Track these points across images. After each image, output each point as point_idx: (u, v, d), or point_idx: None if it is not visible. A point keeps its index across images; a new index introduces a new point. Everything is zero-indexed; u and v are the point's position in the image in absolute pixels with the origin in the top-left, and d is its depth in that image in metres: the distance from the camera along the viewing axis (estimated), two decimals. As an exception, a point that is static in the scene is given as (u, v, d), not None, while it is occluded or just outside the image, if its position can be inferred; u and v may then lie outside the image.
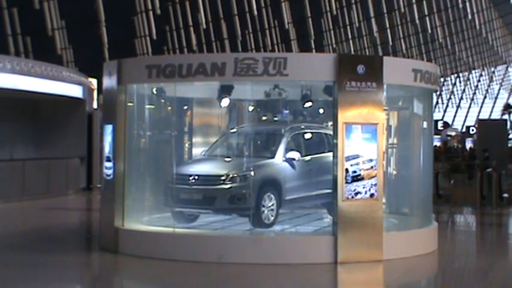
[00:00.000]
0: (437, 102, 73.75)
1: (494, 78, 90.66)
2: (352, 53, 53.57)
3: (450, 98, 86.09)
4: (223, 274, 10.42)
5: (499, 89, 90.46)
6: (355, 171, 11.17)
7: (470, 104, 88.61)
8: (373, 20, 55.45)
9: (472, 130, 50.59)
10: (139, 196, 12.20)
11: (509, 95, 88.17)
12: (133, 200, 12.15)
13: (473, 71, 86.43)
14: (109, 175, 12.41)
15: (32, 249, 12.65)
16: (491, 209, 19.93)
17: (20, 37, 37.35)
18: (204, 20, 45.69)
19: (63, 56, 38.57)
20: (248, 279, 10.21)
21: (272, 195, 11.66)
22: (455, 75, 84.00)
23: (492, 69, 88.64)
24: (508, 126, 41.72)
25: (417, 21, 58.60)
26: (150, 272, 10.80)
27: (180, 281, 10.25)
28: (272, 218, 11.65)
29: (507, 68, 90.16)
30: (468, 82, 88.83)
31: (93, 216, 16.81)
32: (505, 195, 21.57)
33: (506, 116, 62.84)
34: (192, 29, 46.18)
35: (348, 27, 54.92)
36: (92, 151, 25.16)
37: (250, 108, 12.71)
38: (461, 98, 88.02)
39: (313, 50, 49.94)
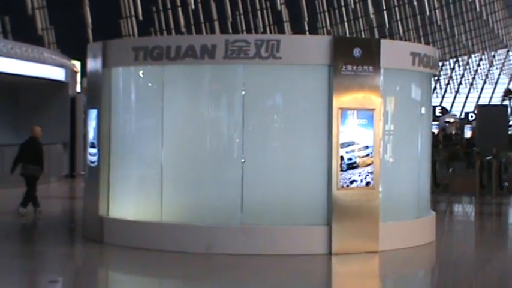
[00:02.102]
0: (435, 88, 73.84)
1: (494, 63, 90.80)
2: (348, 35, 53.48)
3: (449, 83, 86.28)
4: (211, 265, 10.44)
5: (500, 74, 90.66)
6: (350, 159, 11.18)
7: (470, 89, 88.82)
8: (369, 1, 55.36)
9: (472, 116, 50.70)
10: (126, 184, 12.16)
11: (510, 80, 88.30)
12: (118, 188, 12.13)
13: (472, 55, 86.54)
14: (93, 162, 12.41)
15: (12, 239, 12.62)
16: (491, 198, 20.04)
17: (-2, 17, 37.39)
18: (192, 0, 45.55)
19: (44, 36, 38.41)
20: (237, 271, 10.21)
21: None
22: (454, 59, 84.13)
23: (492, 53, 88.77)
24: (509, 113, 41.91)
25: (415, 3, 58.59)
26: (136, 263, 10.83)
27: (166, 273, 10.26)
28: None
29: (508, 52, 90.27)
30: (467, 66, 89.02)
31: (76, 204, 16.78)
32: (506, 184, 21.65)
33: (506, 102, 63.13)
34: (180, 9, 46.10)
35: (343, 8, 54.82)
36: (75, 137, 25.06)
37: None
38: (460, 83, 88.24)
39: (307, 33, 49.79)
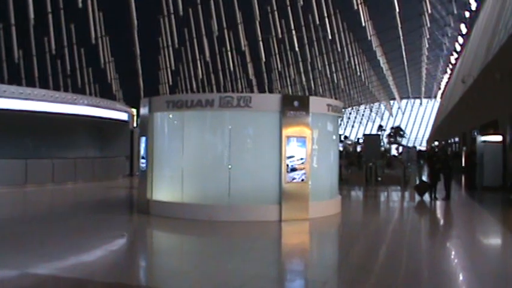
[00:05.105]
0: (340, 124, 74.33)
1: (372, 110, 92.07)
2: (291, 94, 53.64)
3: (348, 120, 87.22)
4: (211, 227, 10.22)
5: (376, 116, 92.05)
6: (292, 166, 11.07)
7: (360, 124, 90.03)
8: (303, 75, 55.95)
9: (361, 140, 50.91)
10: (161, 180, 11.94)
11: (381, 120, 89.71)
12: (157, 182, 11.90)
13: (361, 106, 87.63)
14: (143, 167, 12.18)
15: (97, 211, 12.34)
16: (371, 187, 20.10)
17: (92, 85, 38.11)
18: (201, 73, 46.15)
19: (116, 95, 38.72)
20: (226, 230, 10.01)
21: None
22: (351, 107, 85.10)
23: (371, 104, 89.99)
24: (381, 138, 42.34)
25: (329, 76, 59.22)
26: (168, 225, 10.58)
27: (185, 231, 10.03)
28: None
29: (379, 104, 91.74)
30: (358, 112, 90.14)
31: (133, 191, 16.49)
32: (379, 178, 21.87)
33: (379, 132, 63.83)
34: (194, 79, 46.73)
35: (288, 78, 55.41)
36: (133, 152, 24.90)
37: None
38: (354, 121, 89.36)
39: (267, 92, 50.11)
